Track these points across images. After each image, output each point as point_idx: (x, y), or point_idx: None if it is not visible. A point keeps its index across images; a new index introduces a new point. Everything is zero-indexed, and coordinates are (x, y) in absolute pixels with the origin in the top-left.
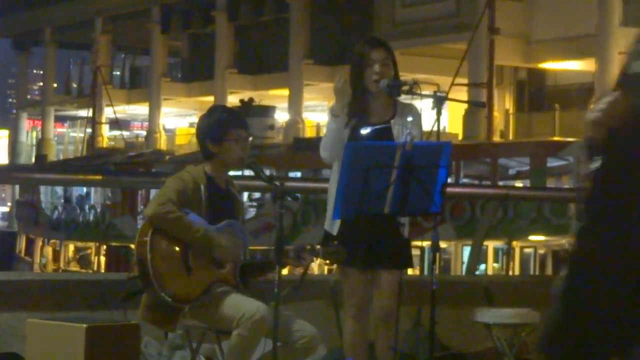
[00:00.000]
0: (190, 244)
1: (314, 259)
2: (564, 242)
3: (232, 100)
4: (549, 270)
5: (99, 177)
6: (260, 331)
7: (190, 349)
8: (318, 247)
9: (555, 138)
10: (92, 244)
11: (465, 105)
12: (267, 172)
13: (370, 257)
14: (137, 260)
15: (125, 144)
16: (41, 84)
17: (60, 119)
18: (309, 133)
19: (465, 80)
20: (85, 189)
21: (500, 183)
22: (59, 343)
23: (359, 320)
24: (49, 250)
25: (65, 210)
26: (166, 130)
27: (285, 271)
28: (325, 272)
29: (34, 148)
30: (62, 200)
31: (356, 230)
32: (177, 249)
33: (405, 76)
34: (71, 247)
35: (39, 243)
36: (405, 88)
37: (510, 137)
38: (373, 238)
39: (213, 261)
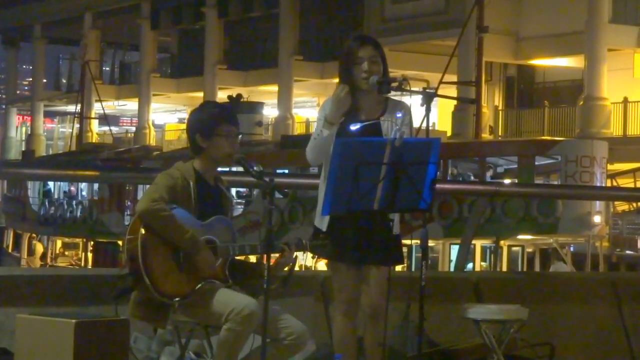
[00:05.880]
0: (176, 243)
1: (303, 252)
2: (551, 241)
3: (222, 96)
4: (537, 269)
5: (91, 173)
6: (249, 326)
7: (179, 345)
8: (305, 241)
9: (544, 137)
10: (79, 240)
11: (455, 102)
12: (256, 168)
13: (360, 253)
14: (128, 256)
15: (113, 140)
16: (30, 79)
17: (49, 115)
18: (299, 129)
19: (454, 77)
20: (67, 187)
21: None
22: (48, 338)
23: (349, 316)
24: (38, 247)
25: (52, 206)
26: (155, 126)
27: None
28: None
29: (24, 143)
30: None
31: (346, 226)
32: (168, 245)
33: (394, 72)
34: (59, 243)
35: (27, 238)
36: (394, 84)
37: (500, 133)
38: (363, 234)
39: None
